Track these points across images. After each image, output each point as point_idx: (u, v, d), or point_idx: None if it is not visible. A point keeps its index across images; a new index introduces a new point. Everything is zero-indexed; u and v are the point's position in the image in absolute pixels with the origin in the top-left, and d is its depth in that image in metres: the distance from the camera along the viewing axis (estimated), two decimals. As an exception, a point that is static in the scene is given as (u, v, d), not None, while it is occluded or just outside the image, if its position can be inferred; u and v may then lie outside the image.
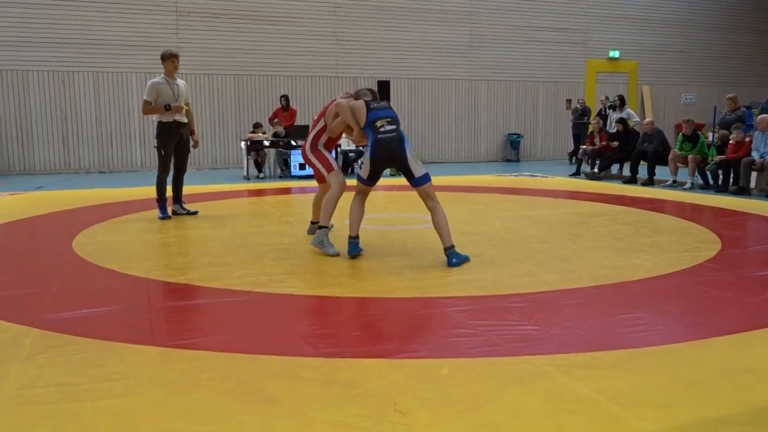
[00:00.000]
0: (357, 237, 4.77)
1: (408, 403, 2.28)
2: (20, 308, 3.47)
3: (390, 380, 2.49)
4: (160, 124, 6.73)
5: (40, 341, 2.93)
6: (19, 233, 6.07)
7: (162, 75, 6.73)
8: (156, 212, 6.88)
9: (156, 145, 6.85)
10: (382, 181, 6.20)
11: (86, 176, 12.45)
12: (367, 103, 4.84)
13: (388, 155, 4.66)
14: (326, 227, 5.01)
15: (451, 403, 2.28)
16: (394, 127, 4.70)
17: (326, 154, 5.29)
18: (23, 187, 10.13)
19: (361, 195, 4.90)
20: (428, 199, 4.68)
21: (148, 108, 6.68)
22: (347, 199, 5.11)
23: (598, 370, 2.58)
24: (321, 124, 5.27)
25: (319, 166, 5.24)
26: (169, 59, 6.69)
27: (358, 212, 4.82)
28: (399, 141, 4.64)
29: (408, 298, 3.69)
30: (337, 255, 4.82)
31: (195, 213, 7.07)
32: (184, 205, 7.11)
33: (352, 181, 5.11)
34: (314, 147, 5.28)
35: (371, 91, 5.17)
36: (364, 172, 4.79)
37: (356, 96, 5.09)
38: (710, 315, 3.39)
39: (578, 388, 2.40)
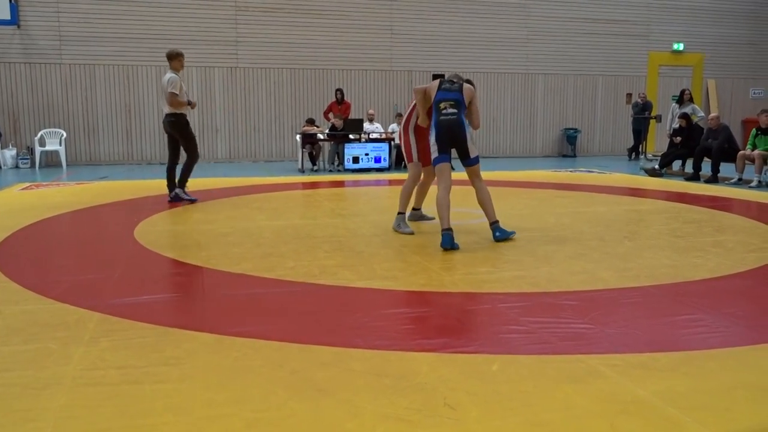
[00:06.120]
0: (449, 228, 4.85)
1: (458, 397, 2.27)
2: (85, 293, 3.61)
3: (440, 374, 2.48)
4: (183, 116, 7.33)
5: (103, 325, 3.05)
6: (84, 221, 6.32)
7: (175, 71, 7.26)
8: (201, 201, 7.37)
9: (185, 136, 7.41)
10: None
11: (148, 167, 12.86)
12: (440, 83, 5.16)
13: (450, 136, 5.03)
14: (403, 214, 5.56)
15: (501, 400, 2.26)
16: (455, 111, 5.04)
17: (412, 140, 5.57)
18: (89, 177, 10.54)
19: (444, 183, 5.05)
20: (476, 178, 5.20)
21: (179, 101, 7.20)
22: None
23: (656, 372, 2.51)
24: (411, 105, 5.62)
25: (403, 149, 5.65)
26: (180, 57, 7.34)
27: (445, 203, 4.94)
28: (459, 123, 5.03)
29: (459, 293, 3.67)
30: (412, 234, 5.37)
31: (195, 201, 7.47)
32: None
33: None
34: (406, 130, 5.61)
35: (458, 77, 5.34)
36: (435, 151, 5.11)
37: (435, 76, 5.43)
38: (777, 318, 3.24)
39: (634, 390, 2.33)
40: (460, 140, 5.05)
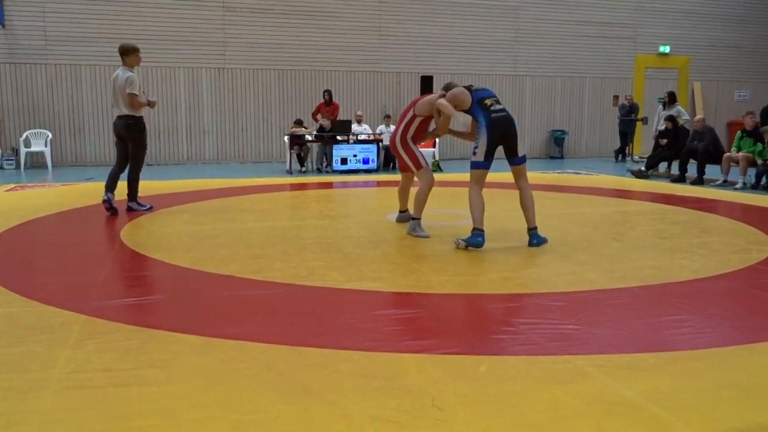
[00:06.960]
0: (483, 230, 4.82)
1: (446, 399, 2.27)
2: (70, 295, 3.58)
3: (428, 376, 2.48)
4: (142, 119, 6.65)
5: (89, 327, 3.03)
6: (70, 223, 6.26)
7: (130, 68, 6.52)
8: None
9: (139, 141, 6.67)
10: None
11: (134, 168, 12.78)
12: (467, 87, 5.05)
13: (503, 132, 4.84)
14: (419, 219, 5.42)
15: (489, 401, 2.27)
16: (502, 106, 4.92)
17: (414, 149, 5.55)
18: (75, 178, 10.45)
19: (479, 185, 4.94)
20: (522, 178, 5.04)
21: (139, 102, 6.47)
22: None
23: (642, 372, 2.53)
24: (410, 115, 5.51)
25: (407, 159, 5.54)
26: (137, 52, 6.59)
27: (481, 202, 4.88)
28: (512, 120, 4.91)
29: (447, 294, 3.68)
30: (428, 237, 5.22)
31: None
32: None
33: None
34: (404, 140, 5.54)
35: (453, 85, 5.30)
36: (481, 155, 4.85)
37: (447, 88, 5.20)
38: (761, 319, 3.28)
39: (621, 390, 2.35)
40: (513, 136, 4.89)
